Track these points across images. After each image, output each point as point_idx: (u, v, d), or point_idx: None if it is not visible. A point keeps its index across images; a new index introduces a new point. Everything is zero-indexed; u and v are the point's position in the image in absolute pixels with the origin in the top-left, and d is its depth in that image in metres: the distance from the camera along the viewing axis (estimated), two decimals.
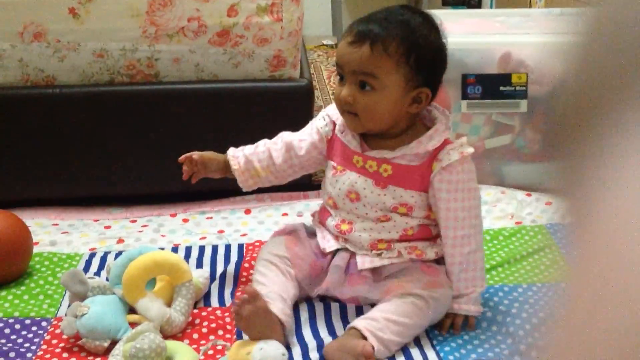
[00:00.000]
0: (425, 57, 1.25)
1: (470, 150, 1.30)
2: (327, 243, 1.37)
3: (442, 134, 1.30)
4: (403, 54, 1.24)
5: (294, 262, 1.36)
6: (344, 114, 1.30)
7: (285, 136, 1.43)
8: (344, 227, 1.35)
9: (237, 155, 1.45)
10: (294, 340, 1.29)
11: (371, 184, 1.32)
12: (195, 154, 1.45)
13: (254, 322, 1.22)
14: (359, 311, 1.35)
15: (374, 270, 1.33)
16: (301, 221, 1.56)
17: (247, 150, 1.45)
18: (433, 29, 1.28)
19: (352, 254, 1.34)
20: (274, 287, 1.32)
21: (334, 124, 1.38)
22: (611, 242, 0.25)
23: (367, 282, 1.33)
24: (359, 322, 1.25)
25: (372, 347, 1.21)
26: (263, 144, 1.45)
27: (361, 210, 1.33)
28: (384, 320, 1.25)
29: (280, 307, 1.28)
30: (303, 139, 1.41)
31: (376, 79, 1.24)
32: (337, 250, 1.36)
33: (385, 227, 1.33)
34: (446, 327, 1.31)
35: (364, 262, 1.32)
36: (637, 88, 0.26)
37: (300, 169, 1.44)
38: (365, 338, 1.22)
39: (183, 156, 1.46)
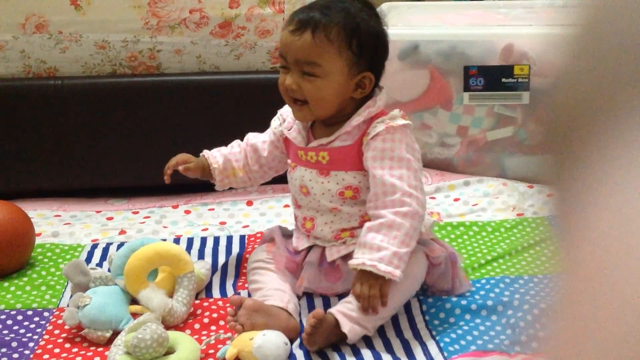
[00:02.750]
0: (366, 42, 1.28)
1: (400, 122, 1.29)
2: (300, 242, 1.40)
3: (371, 108, 1.31)
4: (344, 39, 1.26)
5: (275, 259, 1.39)
6: (291, 103, 1.32)
7: (251, 138, 1.47)
8: (308, 224, 1.38)
9: (215, 155, 1.47)
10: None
11: (315, 175, 1.34)
12: (180, 167, 1.45)
13: (255, 320, 1.24)
14: None
15: (345, 258, 1.33)
16: (289, 219, 1.59)
17: (223, 150, 1.48)
18: (373, 15, 1.31)
19: (323, 249, 1.37)
20: (269, 285, 1.34)
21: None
22: (606, 234, 0.25)
23: (342, 275, 1.34)
24: (334, 307, 1.27)
25: (322, 310, 1.23)
26: (237, 145, 1.48)
27: (314, 203, 1.36)
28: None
29: (278, 297, 1.30)
30: (265, 140, 1.45)
31: (319, 66, 1.26)
32: (310, 249, 1.38)
33: (344, 218, 1.35)
34: (356, 293, 1.24)
35: (332, 253, 1.35)
36: (635, 82, 0.26)
37: (269, 169, 1.48)
38: (337, 321, 1.22)
39: (168, 171, 1.46)
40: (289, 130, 1.39)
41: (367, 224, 1.27)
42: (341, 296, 1.37)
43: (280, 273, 1.37)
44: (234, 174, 1.46)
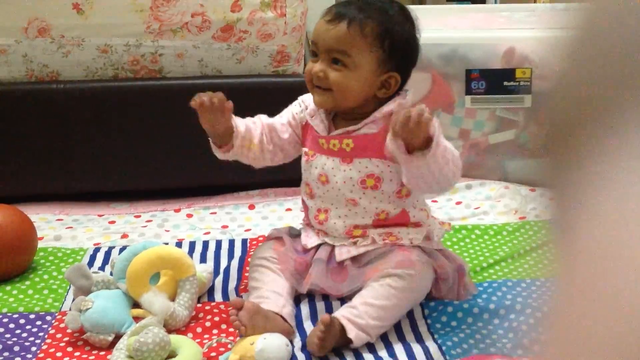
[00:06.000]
0: (398, 43, 1.30)
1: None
2: (309, 240, 1.40)
3: (402, 101, 1.32)
4: (377, 36, 1.28)
5: (281, 260, 1.38)
6: (314, 90, 1.32)
7: (264, 118, 1.42)
8: (321, 216, 1.38)
9: (236, 120, 1.37)
10: (295, 330, 1.30)
11: (338, 163, 1.34)
12: (215, 98, 1.30)
13: (255, 322, 1.24)
14: None
15: (354, 259, 1.34)
16: (291, 222, 1.58)
17: (242, 119, 1.39)
18: (408, 21, 1.33)
19: (333, 248, 1.37)
20: (267, 286, 1.34)
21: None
22: (604, 237, 0.25)
23: (348, 276, 1.34)
24: (338, 312, 1.27)
25: (330, 315, 1.21)
26: (252, 121, 1.40)
27: (332, 193, 1.36)
28: (362, 305, 1.26)
29: (274, 301, 1.30)
30: (283, 122, 1.42)
31: (349, 57, 1.28)
32: (319, 246, 1.38)
33: (359, 213, 1.35)
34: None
35: (342, 253, 1.35)
36: (633, 85, 0.26)
37: (281, 151, 1.42)
38: (343, 327, 1.23)
39: (204, 97, 1.30)
40: (312, 117, 1.38)
41: None
42: (343, 300, 1.37)
43: (283, 274, 1.37)
44: (249, 146, 1.38)
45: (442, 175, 1.24)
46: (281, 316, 1.28)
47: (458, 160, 1.26)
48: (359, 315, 1.24)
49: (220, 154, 1.39)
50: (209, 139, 1.38)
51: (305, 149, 1.40)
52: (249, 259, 1.54)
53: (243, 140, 1.37)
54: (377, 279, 1.28)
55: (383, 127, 1.31)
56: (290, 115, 1.43)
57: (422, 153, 1.19)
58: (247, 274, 1.49)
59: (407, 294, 1.29)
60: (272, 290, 1.33)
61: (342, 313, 1.26)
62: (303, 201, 1.44)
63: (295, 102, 1.44)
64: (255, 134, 1.39)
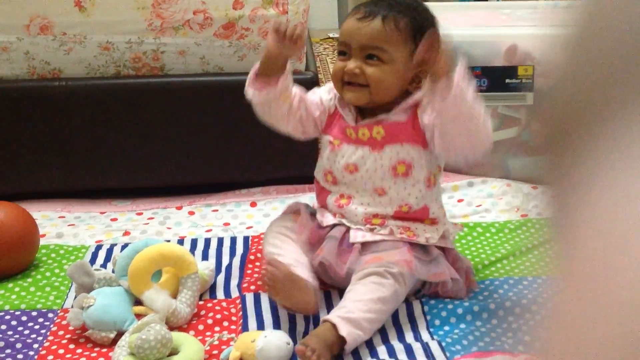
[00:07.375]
0: None
1: None
2: (325, 219, 1.40)
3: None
4: (411, 31, 1.32)
5: (300, 231, 1.40)
6: (345, 87, 1.34)
7: (299, 90, 1.42)
8: (343, 200, 1.39)
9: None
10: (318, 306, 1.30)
11: (368, 152, 1.35)
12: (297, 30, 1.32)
13: (284, 286, 1.24)
14: None
15: (365, 245, 1.35)
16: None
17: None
18: (433, 18, 1.38)
19: (348, 229, 1.37)
20: (290, 255, 1.34)
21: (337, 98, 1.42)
22: (603, 234, 0.25)
23: (350, 257, 1.33)
24: (328, 315, 1.24)
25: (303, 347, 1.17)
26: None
27: (360, 181, 1.37)
28: (351, 302, 1.24)
29: (301, 270, 1.29)
30: (316, 101, 1.42)
31: (385, 52, 1.31)
32: (334, 226, 1.39)
33: (382, 202, 1.36)
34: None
35: (356, 236, 1.36)
36: (632, 83, 0.26)
37: (299, 121, 1.42)
38: (334, 325, 1.19)
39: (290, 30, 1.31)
40: (342, 107, 1.39)
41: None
42: (332, 308, 1.36)
43: (300, 245, 1.37)
44: (286, 96, 1.38)
45: (473, 122, 1.24)
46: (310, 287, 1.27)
47: (488, 122, 1.27)
48: (350, 311, 1.22)
49: (256, 93, 1.38)
50: (249, 77, 1.38)
51: (329, 138, 1.40)
52: (251, 257, 1.54)
53: (287, 83, 1.37)
54: (360, 278, 1.27)
55: (411, 113, 1.35)
56: (319, 100, 1.43)
57: (447, 87, 1.21)
58: (249, 272, 1.50)
59: (392, 288, 1.27)
60: (296, 259, 1.33)
61: (333, 314, 1.23)
62: (321, 187, 1.43)
63: (324, 88, 1.44)
64: (293, 89, 1.40)
